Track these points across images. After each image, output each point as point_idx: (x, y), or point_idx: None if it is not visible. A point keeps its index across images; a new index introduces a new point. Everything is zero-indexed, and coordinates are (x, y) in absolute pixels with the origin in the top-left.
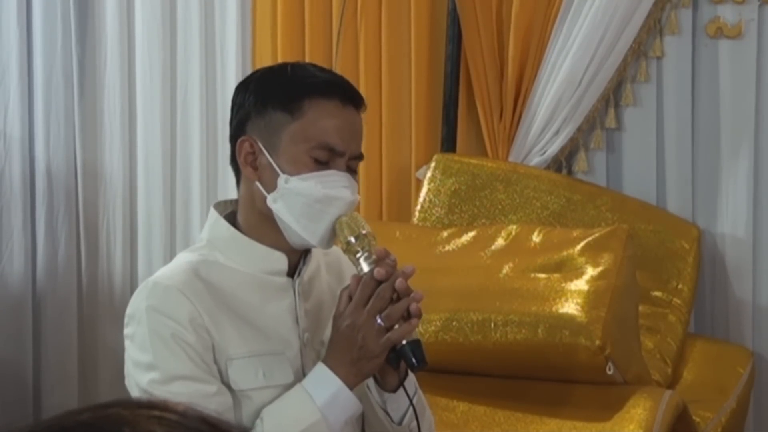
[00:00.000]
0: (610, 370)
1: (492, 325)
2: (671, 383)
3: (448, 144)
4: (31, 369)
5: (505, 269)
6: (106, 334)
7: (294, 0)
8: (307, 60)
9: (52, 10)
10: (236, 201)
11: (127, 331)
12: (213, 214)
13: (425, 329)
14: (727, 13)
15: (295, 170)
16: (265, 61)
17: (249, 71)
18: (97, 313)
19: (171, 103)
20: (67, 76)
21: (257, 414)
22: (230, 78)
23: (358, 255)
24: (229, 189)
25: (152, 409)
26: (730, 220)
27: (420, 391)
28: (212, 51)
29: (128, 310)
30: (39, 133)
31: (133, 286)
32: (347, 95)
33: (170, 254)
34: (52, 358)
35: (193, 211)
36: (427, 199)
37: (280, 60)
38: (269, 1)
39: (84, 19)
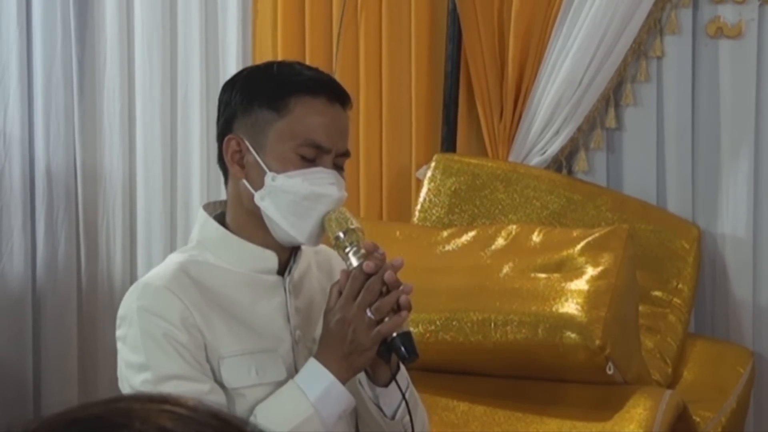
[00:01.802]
0: (610, 369)
1: (492, 324)
2: (671, 383)
3: (448, 144)
4: (31, 368)
5: (505, 269)
6: (106, 333)
7: (294, 0)
8: (307, 60)
9: (51, 11)
10: (225, 202)
11: (119, 332)
12: (202, 215)
13: (425, 329)
14: (728, 13)
15: (281, 168)
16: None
17: None
18: (96, 313)
19: (171, 104)
20: (66, 76)
21: (251, 411)
22: None
23: (347, 250)
24: None
25: (163, 403)
26: (731, 220)
27: (412, 386)
28: (213, 51)
29: (120, 312)
30: (39, 133)
31: None
32: (333, 93)
33: (169, 253)
34: (52, 358)
35: (193, 211)
36: (427, 198)
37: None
38: (270, 1)
39: (84, 20)
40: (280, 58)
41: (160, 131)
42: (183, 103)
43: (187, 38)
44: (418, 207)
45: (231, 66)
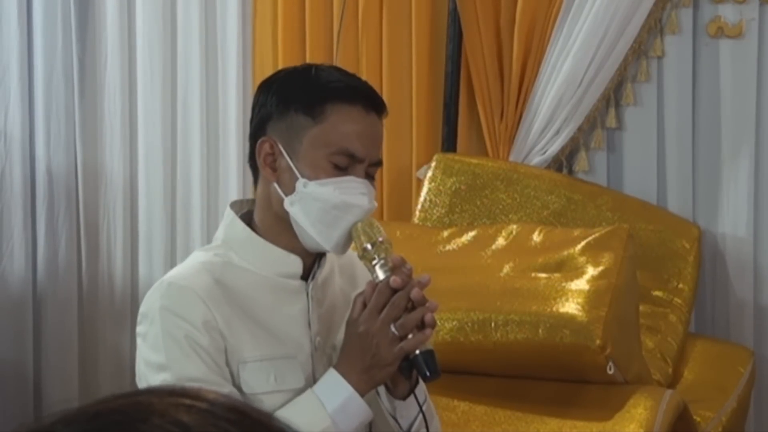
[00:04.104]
0: (610, 369)
1: (492, 324)
2: (672, 383)
3: (449, 143)
4: (31, 369)
5: (506, 269)
6: (107, 334)
7: (294, 0)
8: (307, 60)
9: (52, 10)
10: (252, 201)
11: (139, 329)
12: (229, 213)
13: None
14: (728, 13)
15: (314, 174)
16: (266, 62)
17: (249, 72)
18: (97, 314)
19: (171, 103)
20: (67, 76)
21: None
22: (231, 78)
23: (374, 262)
24: (229, 189)
25: (183, 396)
26: (731, 220)
27: (429, 399)
28: (213, 51)
29: (141, 309)
30: (39, 133)
31: (133, 286)
32: (370, 101)
33: (170, 254)
34: (52, 359)
35: (194, 211)
36: (428, 198)
37: (280, 60)
38: (270, 1)
39: (84, 19)
40: (280, 58)
41: (161, 131)
42: (183, 103)
43: (187, 38)
44: (419, 207)
45: (231, 66)
